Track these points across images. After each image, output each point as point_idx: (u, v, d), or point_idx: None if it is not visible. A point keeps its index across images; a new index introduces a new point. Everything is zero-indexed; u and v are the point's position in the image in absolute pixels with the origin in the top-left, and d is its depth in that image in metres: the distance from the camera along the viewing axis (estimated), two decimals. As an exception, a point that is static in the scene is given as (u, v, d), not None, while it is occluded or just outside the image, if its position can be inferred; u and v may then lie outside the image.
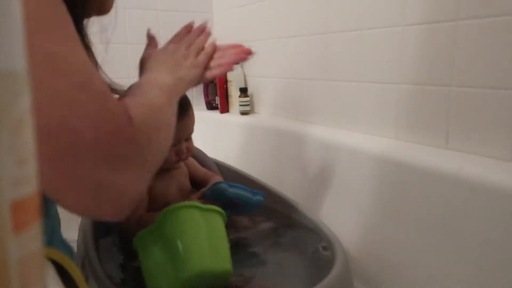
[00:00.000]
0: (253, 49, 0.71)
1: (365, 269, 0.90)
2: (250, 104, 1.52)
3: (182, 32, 0.71)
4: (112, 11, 0.55)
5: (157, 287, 0.57)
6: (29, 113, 0.15)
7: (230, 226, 0.82)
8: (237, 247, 0.77)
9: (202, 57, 0.66)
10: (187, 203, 0.61)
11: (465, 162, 0.76)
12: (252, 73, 1.54)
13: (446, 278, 0.75)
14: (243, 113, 1.51)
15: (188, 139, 0.80)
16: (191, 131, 0.80)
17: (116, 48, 1.50)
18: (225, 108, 1.62)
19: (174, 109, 0.52)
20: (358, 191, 0.95)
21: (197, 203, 0.62)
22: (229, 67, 0.68)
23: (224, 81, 1.60)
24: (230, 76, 1.57)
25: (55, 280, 0.38)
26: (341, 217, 0.98)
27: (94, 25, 0.55)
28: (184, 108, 0.77)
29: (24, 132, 0.14)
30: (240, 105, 1.51)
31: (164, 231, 0.59)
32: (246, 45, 0.72)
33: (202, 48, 0.68)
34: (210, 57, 0.68)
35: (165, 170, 0.78)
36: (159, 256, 0.58)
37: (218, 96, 1.63)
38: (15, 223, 0.14)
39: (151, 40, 0.72)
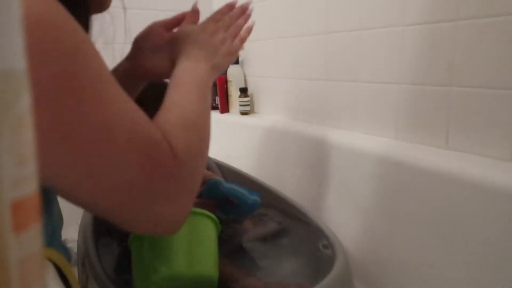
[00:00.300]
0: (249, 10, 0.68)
1: (365, 269, 0.90)
2: (250, 104, 1.52)
3: (224, 10, 0.68)
4: (113, 11, 0.55)
5: (140, 286, 0.57)
6: (29, 112, 0.15)
7: (230, 226, 0.82)
8: (237, 247, 0.77)
9: (237, 44, 0.64)
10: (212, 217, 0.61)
11: (465, 162, 0.76)
12: (252, 73, 1.54)
13: (446, 277, 0.75)
14: (243, 113, 1.51)
15: None
16: None
17: (116, 48, 1.50)
18: (225, 108, 1.62)
19: (209, 105, 0.52)
20: (358, 191, 0.95)
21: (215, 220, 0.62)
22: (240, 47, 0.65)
23: (224, 81, 1.60)
24: (230, 76, 1.57)
25: (55, 280, 0.38)
26: (341, 217, 0.98)
27: (94, 26, 0.55)
28: None
29: (24, 132, 0.14)
30: (240, 105, 1.51)
31: (194, 225, 0.59)
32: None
33: (238, 32, 0.65)
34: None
35: None
36: (143, 257, 0.58)
37: (218, 96, 1.63)
38: (15, 223, 0.14)
39: (194, 14, 0.69)
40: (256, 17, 1.46)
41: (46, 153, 0.33)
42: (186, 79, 0.53)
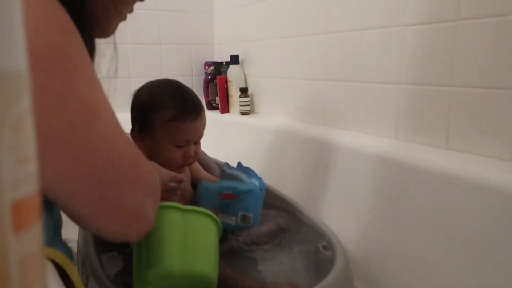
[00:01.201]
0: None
1: (366, 269, 0.90)
2: (251, 104, 1.52)
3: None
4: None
5: (137, 285, 0.57)
6: (30, 113, 0.15)
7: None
8: (237, 247, 0.77)
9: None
10: (167, 203, 0.59)
11: (465, 162, 0.76)
12: (253, 73, 1.54)
13: (446, 277, 0.75)
14: (243, 113, 1.51)
15: (197, 142, 0.78)
16: (201, 134, 0.78)
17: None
18: (225, 108, 1.62)
19: None
20: (358, 191, 0.95)
21: (178, 204, 0.59)
22: None
23: (224, 81, 1.60)
24: (230, 76, 1.57)
25: (55, 280, 0.38)
26: (341, 217, 0.98)
27: None
28: (197, 109, 0.75)
29: (24, 132, 0.14)
30: (241, 105, 1.51)
31: (186, 224, 0.58)
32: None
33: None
34: None
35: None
36: (141, 254, 0.57)
37: (218, 96, 1.63)
38: (16, 223, 0.14)
39: None
40: (257, 17, 1.46)
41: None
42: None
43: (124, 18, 0.56)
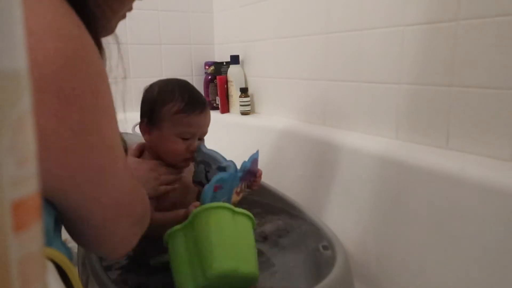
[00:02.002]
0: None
1: (366, 269, 0.90)
2: (251, 104, 1.52)
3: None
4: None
5: (184, 284, 0.58)
6: (30, 113, 0.15)
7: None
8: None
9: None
10: (220, 203, 0.61)
11: (466, 162, 0.76)
12: (253, 73, 1.54)
13: (447, 277, 0.75)
14: (244, 113, 1.51)
15: (201, 139, 0.80)
16: (205, 130, 0.80)
17: (116, 47, 1.50)
18: (225, 108, 1.62)
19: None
20: (358, 191, 0.95)
21: (230, 205, 0.62)
22: None
23: (224, 81, 1.60)
24: (230, 76, 1.57)
25: (56, 280, 0.38)
26: (341, 217, 0.98)
27: None
28: (203, 104, 0.78)
29: (24, 132, 0.14)
30: (241, 105, 1.51)
31: (195, 230, 0.59)
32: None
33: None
34: None
35: (173, 167, 0.78)
36: (188, 253, 0.59)
37: (218, 96, 1.63)
38: (16, 223, 0.14)
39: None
40: (257, 17, 1.46)
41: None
42: None
43: (124, 16, 0.57)
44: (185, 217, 0.64)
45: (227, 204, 0.62)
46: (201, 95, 0.81)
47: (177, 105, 0.75)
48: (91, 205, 0.45)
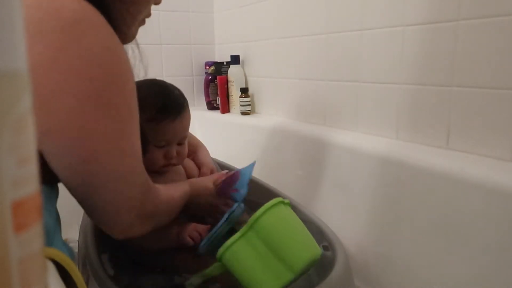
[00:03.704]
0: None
1: (366, 269, 0.90)
2: (251, 104, 1.52)
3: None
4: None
5: (267, 287, 0.58)
6: (30, 113, 0.15)
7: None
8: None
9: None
10: (274, 201, 0.61)
11: (466, 162, 0.76)
12: (253, 73, 1.54)
13: (447, 277, 0.75)
14: (244, 113, 1.51)
15: (181, 143, 0.76)
16: (183, 135, 0.76)
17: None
18: (225, 108, 1.62)
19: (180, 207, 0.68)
20: (359, 191, 0.95)
21: (280, 199, 0.62)
22: None
23: (225, 81, 1.60)
24: (231, 76, 1.57)
25: (56, 280, 0.38)
26: (342, 217, 0.98)
27: None
28: (177, 110, 0.74)
29: (25, 132, 0.14)
30: (241, 105, 1.51)
31: (262, 233, 0.59)
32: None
33: None
34: None
35: (155, 172, 0.74)
36: (261, 258, 0.58)
37: (219, 96, 1.63)
38: (16, 223, 0.14)
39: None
40: (257, 17, 1.46)
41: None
42: (183, 188, 0.70)
43: (143, 22, 0.60)
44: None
45: (278, 199, 0.62)
46: (178, 97, 0.76)
47: (148, 113, 0.69)
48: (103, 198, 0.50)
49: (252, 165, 0.79)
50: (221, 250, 0.59)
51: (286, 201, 0.63)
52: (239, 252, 0.59)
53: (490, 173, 0.70)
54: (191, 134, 0.89)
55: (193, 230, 0.72)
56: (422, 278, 0.79)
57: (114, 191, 0.49)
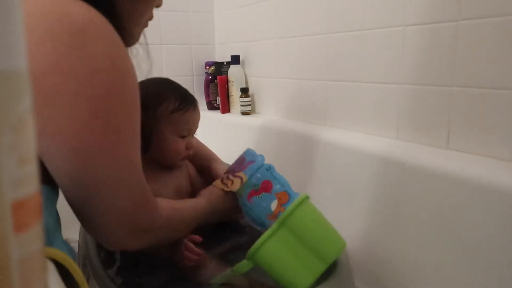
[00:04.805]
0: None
1: (367, 269, 0.90)
2: (251, 104, 1.52)
3: None
4: None
5: (301, 279, 0.59)
6: (30, 113, 0.15)
7: (229, 227, 0.82)
8: (237, 247, 0.77)
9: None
10: (302, 196, 0.62)
11: (466, 162, 0.76)
12: (253, 73, 1.54)
13: (447, 277, 0.75)
14: (244, 113, 1.51)
15: (192, 135, 0.80)
16: (197, 126, 0.80)
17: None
18: (226, 108, 1.62)
19: (196, 223, 0.67)
20: (359, 191, 0.95)
21: (306, 194, 0.63)
22: None
23: (225, 81, 1.60)
24: (231, 76, 1.57)
25: (56, 280, 0.38)
26: (342, 217, 0.98)
27: None
28: (194, 100, 0.78)
29: (25, 132, 0.14)
30: (241, 105, 1.51)
31: (293, 228, 0.60)
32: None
33: None
34: None
35: (167, 168, 0.77)
36: (293, 252, 0.59)
37: (219, 96, 1.63)
38: (16, 223, 0.14)
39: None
40: (257, 17, 1.46)
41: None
42: (196, 203, 0.69)
43: (146, 25, 0.60)
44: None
45: (304, 194, 0.63)
46: (187, 90, 0.81)
47: (173, 104, 0.74)
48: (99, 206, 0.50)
49: (249, 149, 0.80)
50: (253, 249, 0.59)
51: (308, 195, 0.64)
52: (273, 249, 0.60)
53: (490, 173, 0.70)
54: (203, 145, 0.92)
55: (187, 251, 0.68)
56: (422, 278, 0.79)
57: (105, 202, 0.49)
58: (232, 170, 0.78)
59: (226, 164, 0.90)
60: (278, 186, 0.70)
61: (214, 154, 0.93)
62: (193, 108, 0.77)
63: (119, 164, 0.49)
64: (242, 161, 0.78)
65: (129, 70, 0.49)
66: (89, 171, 0.47)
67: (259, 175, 0.72)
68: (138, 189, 0.52)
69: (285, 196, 0.69)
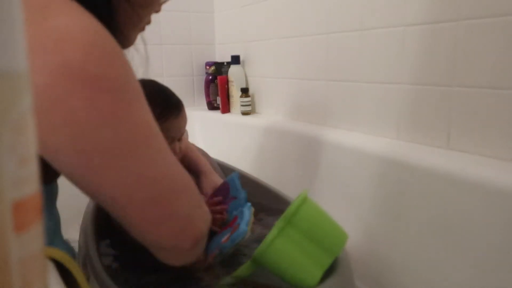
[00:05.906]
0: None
1: (367, 269, 0.90)
2: (251, 104, 1.52)
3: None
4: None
5: (310, 274, 0.59)
6: (30, 113, 0.15)
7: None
8: (237, 247, 0.77)
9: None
10: (304, 193, 0.62)
11: (466, 162, 0.76)
12: (254, 73, 1.54)
13: (447, 277, 0.74)
14: (244, 113, 1.51)
15: (180, 139, 0.78)
16: (183, 131, 0.79)
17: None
18: (226, 108, 1.62)
19: None
20: (359, 191, 0.95)
21: (307, 190, 0.64)
22: None
23: (225, 81, 1.60)
24: (231, 76, 1.57)
25: (57, 280, 0.38)
26: (342, 217, 0.97)
27: None
28: (178, 107, 0.76)
29: (25, 132, 0.14)
30: (241, 105, 1.51)
31: (300, 225, 0.60)
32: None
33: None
34: None
35: None
36: (301, 248, 0.60)
37: (219, 96, 1.63)
38: (16, 223, 0.14)
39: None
40: (257, 17, 1.46)
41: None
42: None
43: (143, 28, 0.60)
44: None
45: (305, 190, 0.64)
46: (173, 95, 0.78)
47: (152, 112, 0.72)
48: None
49: (235, 174, 0.81)
50: (260, 250, 0.59)
51: (307, 189, 0.66)
52: (281, 248, 0.60)
53: (490, 173, 0.70)
54: (195, 153, 0.90)
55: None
56: (422, 278, 0.79)
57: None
58: (217, 200, 0.79)
59: (216, 174, 0.90)
60: (238, 220, 0.71)
61: (204, 165, 0.91)
62: (176, 115, 0.74)
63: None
64: (226, 192, 0.79)
65: (134, 82, 0.48)
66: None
67: (235, 213, 0.74)
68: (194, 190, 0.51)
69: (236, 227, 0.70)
